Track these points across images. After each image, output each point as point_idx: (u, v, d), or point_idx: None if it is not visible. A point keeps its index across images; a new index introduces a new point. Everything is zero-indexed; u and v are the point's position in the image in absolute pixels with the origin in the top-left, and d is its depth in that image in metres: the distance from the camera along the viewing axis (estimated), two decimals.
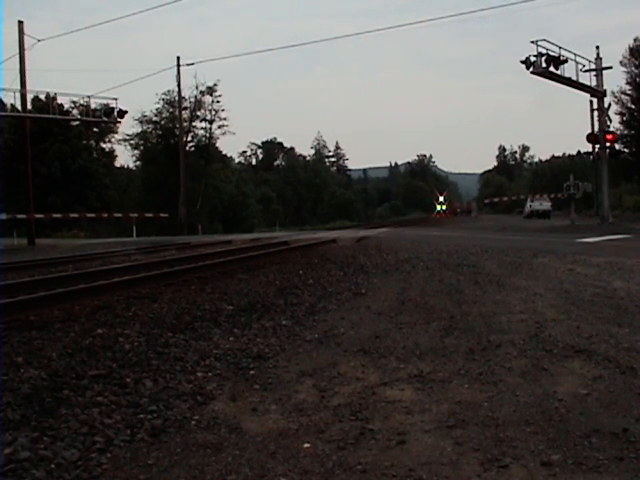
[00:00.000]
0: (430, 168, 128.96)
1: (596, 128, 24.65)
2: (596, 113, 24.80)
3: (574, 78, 22.61)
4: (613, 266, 8.69)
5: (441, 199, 56.52)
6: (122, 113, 26.26)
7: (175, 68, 35.41)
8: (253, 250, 12.62)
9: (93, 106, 27.07)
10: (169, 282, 7.93)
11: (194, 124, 47.43)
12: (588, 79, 23.68)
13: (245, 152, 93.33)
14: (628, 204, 39.96)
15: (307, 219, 78.60)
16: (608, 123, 24.44)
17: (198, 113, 47.46)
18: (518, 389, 3.67)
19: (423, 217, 56.83)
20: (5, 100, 28.66)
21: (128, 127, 69.28)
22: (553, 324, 5.24)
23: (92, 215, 33.99)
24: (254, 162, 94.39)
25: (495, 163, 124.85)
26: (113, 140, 50.55)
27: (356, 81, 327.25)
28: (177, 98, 40.32)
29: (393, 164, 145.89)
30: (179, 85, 36.90)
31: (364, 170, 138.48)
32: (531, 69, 20.88)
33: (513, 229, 23.86)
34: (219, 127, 48.33)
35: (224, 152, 59.59)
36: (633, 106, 47.19)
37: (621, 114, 47.25)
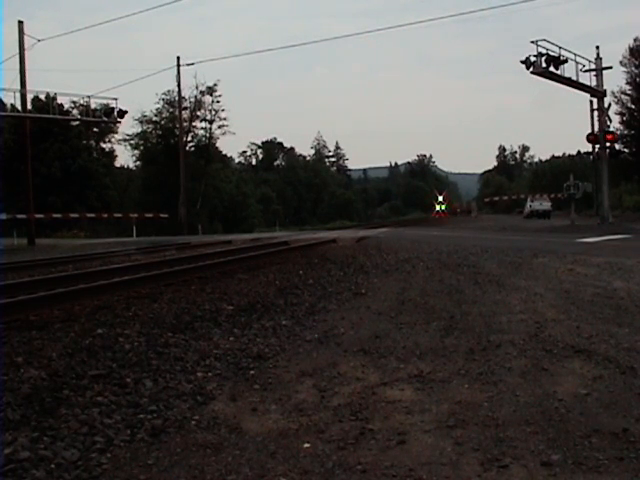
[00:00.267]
0: (430, 168, 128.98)
1: (596, 128, 24.65)
2: (596, 113, 24.80)
3: (574, 78, 22.61)
4: (613, 266, 8.69)
5: (440, 199, 56.39)
6: (122, 113, 26.27)
7: (175, 68, 35.49)
8: (253, 250, 12.62)
9: (93, 106, 27.11)
10: (169, 282, 7.93)
11: (194, 124, 47.50)
12: (588, 79, 23.69)
13: (245, 152, 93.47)
14: (628, 204, 39.98)
15: (307, 219, 78.62)
16: (608, 123, 24.44)
17: (198, 113, 47.51)
18: (518, 389, 3.67)
19: (423, 217, 56.78)
20: (5, 100, 28.70)
21: (128, 127, 69.35)
22: (553, 324, 5.24)
23: (92, 215, 34.00)
24: (254, 162, 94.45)
25: (495, 163, 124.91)
26: (113, 140, 50.63)
27: (356, 81, 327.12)
28: (177, 98, 40.36)
29: (393, 164, 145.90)
30: (179, 85, 36.97)
31: (364, 170, 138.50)
32: (531, 69, 20.88)
33: (513, 229, 23.86)
34: (219, 127, 48.40)
35: (224, 152, 59.67)
36: (633, 106, 47.20)
37: (621, 114, 47.29)
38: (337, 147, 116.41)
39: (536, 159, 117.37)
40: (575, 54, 22.39)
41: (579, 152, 62.52)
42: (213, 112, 47.72)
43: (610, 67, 25.06)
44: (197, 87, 46.42)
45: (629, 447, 2.84)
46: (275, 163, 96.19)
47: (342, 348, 4.73)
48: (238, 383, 3.94)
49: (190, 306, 6.30)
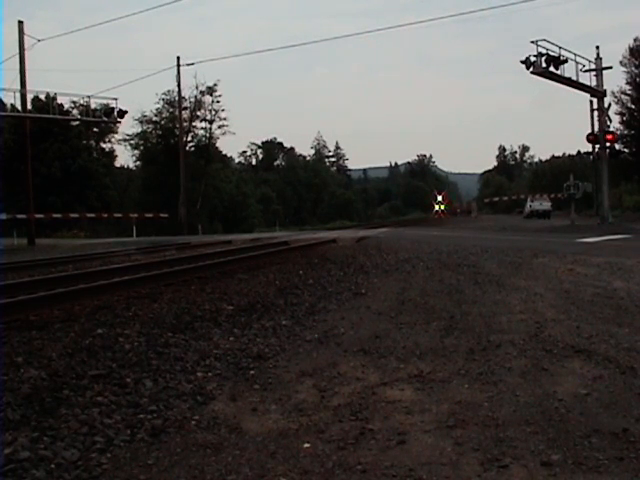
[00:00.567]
0: (430, 168, 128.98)
1: (596, 128, 24.65)
2: (596, 113, 24.80)
3: (574, 78, 22.61)
4: (613, 266, 8.69)
5: (439, 198, 56.27)
6: (122, 113, 26.27)
7: (175, 68, 35.47)
8: (253, 250, 12.62)
9: (93, 106, 27.11)
10: (169, 282, 7.93)
11: (194, 124, 47.46)
12: (588, 79, 23.69)
13: (245, 152, 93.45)
14: (628, 204, 39.99)
15: (307, 219, 78.59)
16: (608, 123, 24.44)
17: (198, 113, 47.48)
18: (518, 389, 3.67)
19: (423, 217, 56.75)
20: (5, 100, 28.70)
21: (128, 127, 69.37)
22: (553, 324, 5.24)
23: (92, 215, 33.98)
24: (254, 162, 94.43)
25: (495, 163, 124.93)
26: (113, 140, 50.63)
27: (356, 81, 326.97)
28: (177, 98, 40.33)
29: (393, 164, 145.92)
30: (179, 85, 36.95)
31: (364, 170, 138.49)
32: (531, 69, 20.88)
33: (513, 229, 23.86)
34: (219, 127, 48.37)
35: (224, 152, 59.65)
36: (633, 106, 47.18)
37: (621, 114, 47.28)
38: (337, 147, 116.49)
39: (536, 159, 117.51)
40: (575, 54, 22.41)
41: (579, 152, 62.54)
42: (213, 112, 47.75)
43: (610, 67, 25.08)
44: (197, 87, 46.45)
45: (629, 447, 2.84)
46: (275, 163, 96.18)
47: (342, 348, 4.73)
48: (238, 383, 3.94)
49: (190, 306, 6.30)
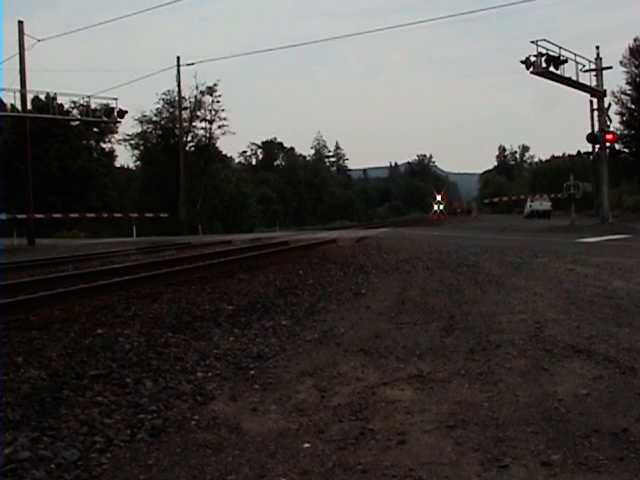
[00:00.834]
0: (430, 168, 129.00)
1: (596, 128, 24.66)
2: (596, 113, 24.81)
3: (574, 78, 22.61)
4: (613, 266, 8.69)
5: (438, 198, 56.18)
6: (122, 113, 26.26)
7: (175, 68, 35.44)
8: (253, 250, 12.63)
9: (93, 106, 27.11)
10: (169, 282, 7.93)
11: (194, 124, 47.47)
12: (588, 79, 23.70)
13: (245, 152, 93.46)
14: (628, 204, 40.01)
15: (307, 219, 78.56)
16: (608, 123, 24.44)
17: (198, 113, 47.49)
18: (518, 389, 3.66)
19: (423, 217, 56.74)
20: (5, 100, 28.67)
21: (128, 127, 69.40)
22: (553, 324, 5.24)
23: (92, 215, 33.99)
24: (254, 162, 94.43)
25: (495, 163, 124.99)
26: (113, 140, 50.58)
27: (356, 81, 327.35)
28: (177, 98, 40.31)
29: (393, 164, 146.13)
30: (179, 85, 36.91)
31: (364, 170, 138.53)
32: (531, 69, 20.88)
33: (513, 229, 23.87)
34: (219, 127, 48.37)
35: (224, 152, 59.66)
36: (633, 106, 47.12)
37: (621, 114, 47.20)
38: (337, 147, 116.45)
39: (536, 159, 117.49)
40: (575, 54, 22.42)
41: (579, 152, 62.59)
42: (213, 112, 47.75)
43: (610, 67, 25.09)
44: (197, 87, 46.47)
45: (629, 447, 2.84)
46: (275, 163, 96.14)
47: (342, 348, 4.73)
48: (238, 383, 3.94)
49: (190, 306, 6.30)
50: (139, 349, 4.60)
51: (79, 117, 32.07)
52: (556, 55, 21.24)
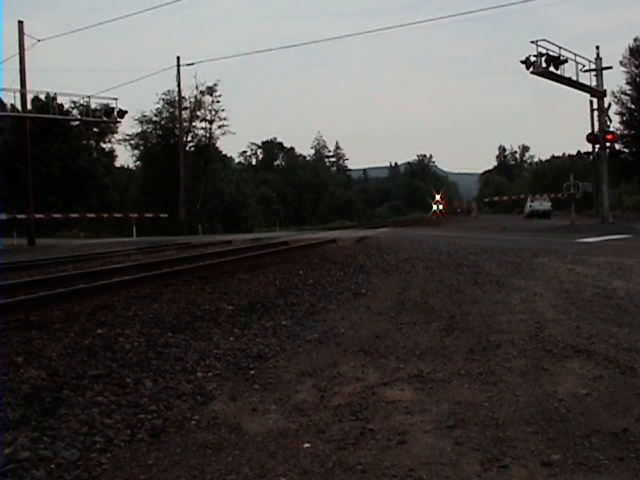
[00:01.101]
0: (430, 168, 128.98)
1: (596, 128, 24.66)
2: (596, 113, 24.81)
3: (574, 78, 22.61)
4: (613, 266, 8.69)
5: (437, 198, 56.05)
6: (122, 113, 26.25)
7: (175, 68, 35.47)
8: (253, 250, 12.63)
9: (93, 106, 27.09)
10: (169, 282, 7.93)
11: (194, 124, 47.42)
12: (588, 79, 23.70)
13: (245, 152, 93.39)
14: (628, 204, 39.99)
15: (307, 219, 78.57)
16: (608, 123, 24.44)
17: (198, 113, 47.43)
18: (518, 389, 3.66)
19: (423, 217, 56.72)
20: (5, 100, 28.66)
21: (128, 127, 69.37)
22: (553, 324, 5.24)
23: (92, 215, 33.96)
24: (254, 162, 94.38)
25: (495, 163, 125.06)
26: (113, 140, 50.51)
27: (356, 81, 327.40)
28: (177, 98, 40.31)
29: (393, 164, 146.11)
30: (179, 85, 36.94)
31: (364, 170, 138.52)
32: (531, 69, 20.88)
33: (513, 229, 23.87)
34: (219, 127, 48.32)
35: (224, 152, 59.60)
36: (633, 106, 47.13)
37: (621, 114, 47.22)
38: (337, 147, 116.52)
39: (536, 159, 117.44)
40: (575, 54, 22.42)
41: (579, 152, 62.46)
42: (213, 112, 47.71)
43: (610, 67, 25.09)
44: (197, 87, 46.42)
45: (629, 447, 2.84)
46: (275, 163, 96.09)
47: (342, 348, 4.73)
48: (238, 383, 3.94)
49: (190, 306, 6.30)
50: (139, 349, 4.60)
51: (79, 117, 32.05)
52: (556, 55, 21.24)
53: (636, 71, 46.81)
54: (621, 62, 46.43)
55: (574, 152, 74.59)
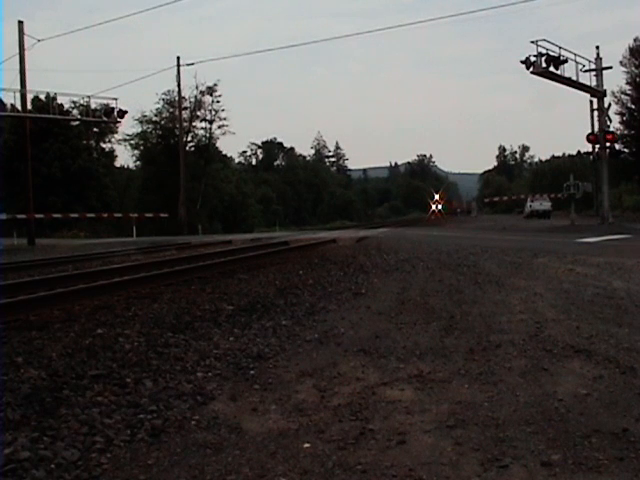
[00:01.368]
0: (430, 168, 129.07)
1: (596, 128, 24.71)
2: (596, 113, 24.86)
3: (574, 78, 22.63)
4: (613, 266, 8.69)
5: (436, 198, 55.93)
6: (122, 113, 26.26)
7: (175, 68, 35.47)
8: (253, 250, 12.63)
9: (93, 106, 27.11)
10: (169, 282, 7.93)
11: (194, 124, 47.40)
12: (588, 79, 23.73)
13: (245, 152, 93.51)
14: (628, 204, 39.98)
15: (307, 219, 78.66)
16: (608, 123, 24.47)
17: (198, 113, 47.40)
18: (518, 389, 3.67)
19: (423, 217, 56.72)
20: (5, 100, 28.61)
21: (128, 127, 69.28)
22: (553, 324, 5.25)
23: (92, 215, 33.97)
24: (254, 162, 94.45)
25: (495, 163, 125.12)
26: (113, 140, 50.51)
27: (356, 81, 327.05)
28: (177, 98, 40.30)
29: (393, 164, 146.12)
30: (179, 85, 36.94)
31: (364, 170, 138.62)
32: (531, 69, 20.90)
33: (513, 229, 23.87)
34: (219, 127, 48.31)
35: (224, 152, 59.59)
36: (633, 106, 47.10)
37: (621, 114, 47.18)
38: (337, 147, 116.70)
39: (536, 159, 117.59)
40: (575, 54, 22.45)
41: (579, 152, 62.53)
42: (213, 112, 47.69)
43: (610, 67, 25.12)
44: (197, 87, 46.39)
45: (629, 447, 2.84)
46: (275, 163, 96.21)
47: (342, 348, 4.73)
48: (238, 383, 3.94)
49: (190, 306, 6.30)
50: (139, 349, 4.60)
51: (79, 117, 32.06)
52: (556, 55, 21.26)
53: (636, 71, 46.78)
54: (621, 62, 46.44)
55: (574, 152, 74.73)
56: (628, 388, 3.64)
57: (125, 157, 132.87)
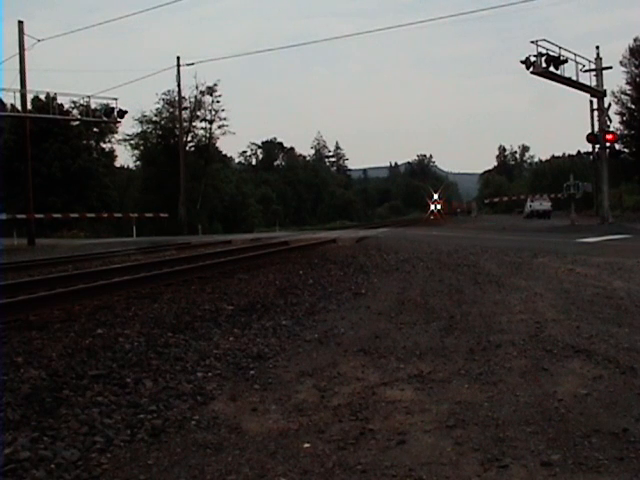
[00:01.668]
0: (430, 168, 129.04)
1: (596, 128, 24.71)
2: (596, 113, 24.86)
3: (574, 78, 22.63)
4: (613, 266, 8.69)
5: (435, 197, 55.82)
6: (122, 113, 26.24)
7: (175, 68, 35.45)
8: (253, 250, 12.63)
9: (93, 106, 27.04)
10: (169, 282, 7.93)
11: (194, 124, 47.42)
12: (588, 79, 23.72)
13: (245, 152, 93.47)
14: (628, 204, 39.99)
15: (307, 219, 78.63)
16: (608, 123, 24.46)
17: (198, 113, 47.43)
18: (518, 389, 3.66)
19: (423, 217, 56.72)
20: (5, 100, 28.55)
21: (128, 127, 69.25)
22: (553, 324, 5.24)
23: (92, 215, 33.98)
24: (254, 162, 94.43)
25: (495, 163, 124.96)
26: (113, 140, 50.51)
27: (356, 81, 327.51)
28: (177, 98, 40.30)
29: (393, 164, 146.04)
30: (179, 85, 36.93)
31: (364, 170, 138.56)
32: (531, 69, 20.89)
33: (513, 229, 23.88)
34: (219, 127, 48.33)
35: (224, 152, 59.58)
36: (633, 106, 47.11)
37: (621, 114, 47.19)
38: (337, 147, 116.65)
39: (536, 159, 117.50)
40: (575, 54, 22.44)
41: (579, 152, 62.55)
42: (213, 112, 47.71)
43: (610, 67, 25.12)
44: (197, 87, 46.42)
45: (629, 447, 2.84)
46: (275, 163, 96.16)
47: (342, 348, 4.73)
48: (238, 383, 3.94)
49: (190, 306, 6.30)
50: (139, 349, 4.60)
51: (79, 117, 32.06)
52: (556, 55, 21.25)
53: (636, 71, 46.80)
54: (621, 62, 46.46)
55: (574, 152, 74.78)
56: (628, 388, 3.64)
57: (125, 157, 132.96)
